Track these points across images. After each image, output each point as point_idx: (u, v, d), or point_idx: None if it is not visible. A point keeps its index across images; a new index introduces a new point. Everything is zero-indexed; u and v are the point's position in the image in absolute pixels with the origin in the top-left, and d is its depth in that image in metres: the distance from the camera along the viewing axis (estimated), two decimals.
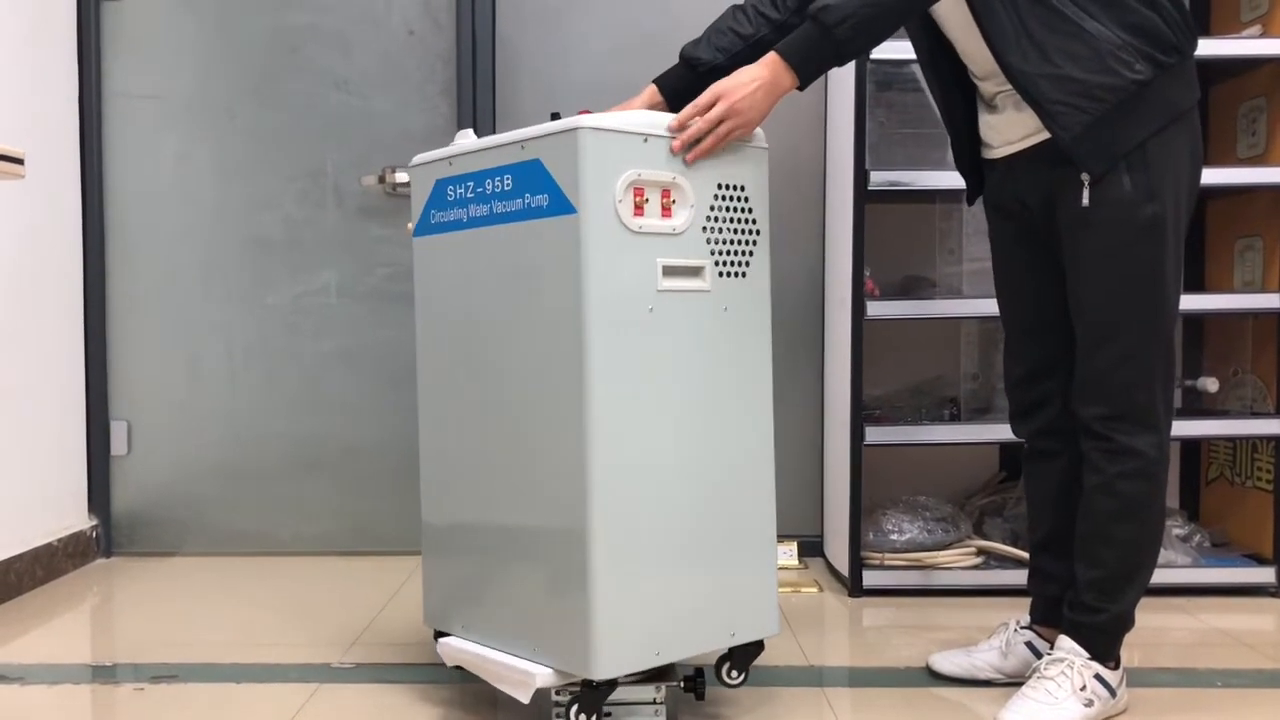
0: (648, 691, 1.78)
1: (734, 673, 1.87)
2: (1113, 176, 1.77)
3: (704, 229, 1.76)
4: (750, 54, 1.89)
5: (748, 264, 1.81)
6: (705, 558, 1.76)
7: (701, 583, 1.76)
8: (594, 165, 1.65)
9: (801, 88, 1.80)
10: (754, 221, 1.82)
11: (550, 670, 1.70)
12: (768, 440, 1.85)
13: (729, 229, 1.79)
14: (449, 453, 1.93)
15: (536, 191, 1.72)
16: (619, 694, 1.75)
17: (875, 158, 2.70)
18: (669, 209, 1.72)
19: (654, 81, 2.02)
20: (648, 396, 1.70)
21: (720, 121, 1.75)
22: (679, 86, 1.97)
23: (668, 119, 1.75)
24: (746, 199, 1.81)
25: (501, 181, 1.77)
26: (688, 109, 1.76)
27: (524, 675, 1.71)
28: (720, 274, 1.78)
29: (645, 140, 1.70)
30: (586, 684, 1.67)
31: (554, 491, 1.70)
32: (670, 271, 1.72)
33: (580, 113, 1.69)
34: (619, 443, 1.67)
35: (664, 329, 1.72)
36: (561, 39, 3.14)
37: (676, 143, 1.74)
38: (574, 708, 1.67)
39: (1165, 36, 1.75)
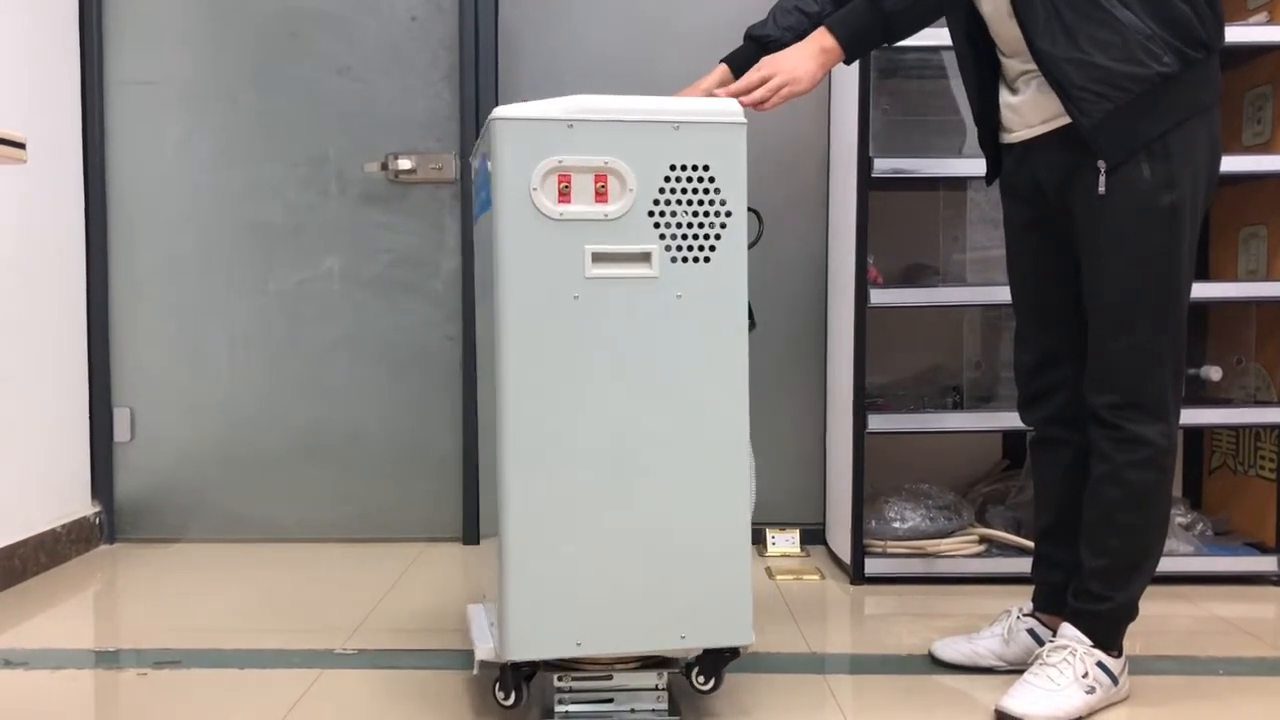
0: (650, 678, 1.78)
1: (700, 677, 1.78)
2: (1132, 164, 1.77)
3: (651, 213, 1.69)
4: (814, 29, 1.94)
5: (712, 248, 1.70)
6: (645, 557, 1.71)
7: (637, 581, 1.71)
8: (509, 156, 1.66)
9: (848, 62, 1.88)
10: (721, 203, 1.70)
11: (490, 646, 1.76)
12: (734, 437, 1.73)
13: (686, 211, 1.69)
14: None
15: (483, 185, 1.77)
16: (621, 680, 1.76)
17: (879, 145, 2.69)
18: (604, 194, 1.68)
19: (723, 60, 2.08)
20: (573, 386, 1.68)
21: (765, 80, 1.84)
22: (745, 59, 2.03)
23: (595, 104, 1.70)
24: (711, 179, 1.70)
25: (484, 174, 1.80)
26: (742, 80, 1.87)
27: (474, 647, 1.79)
28: (673, 259, 1.69)
29: (570, 126, 1.67)
30: (504, 663, 1.73)
31: (489, 479, 1.77)
32: (602, 258, 1.68)
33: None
34: (534, 432, 1.67)
35: (594, 317, 1.68)
36: (564, 24, 3.13)
37: (744, 101, 1.83)
38: (496, 685, 1.76)
39: (1195, 31, 1.75)
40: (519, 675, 1.74)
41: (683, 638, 1.73)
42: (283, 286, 3.16)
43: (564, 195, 1.67)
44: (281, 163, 3.15)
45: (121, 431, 3.16)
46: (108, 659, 2.18)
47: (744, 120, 1.72)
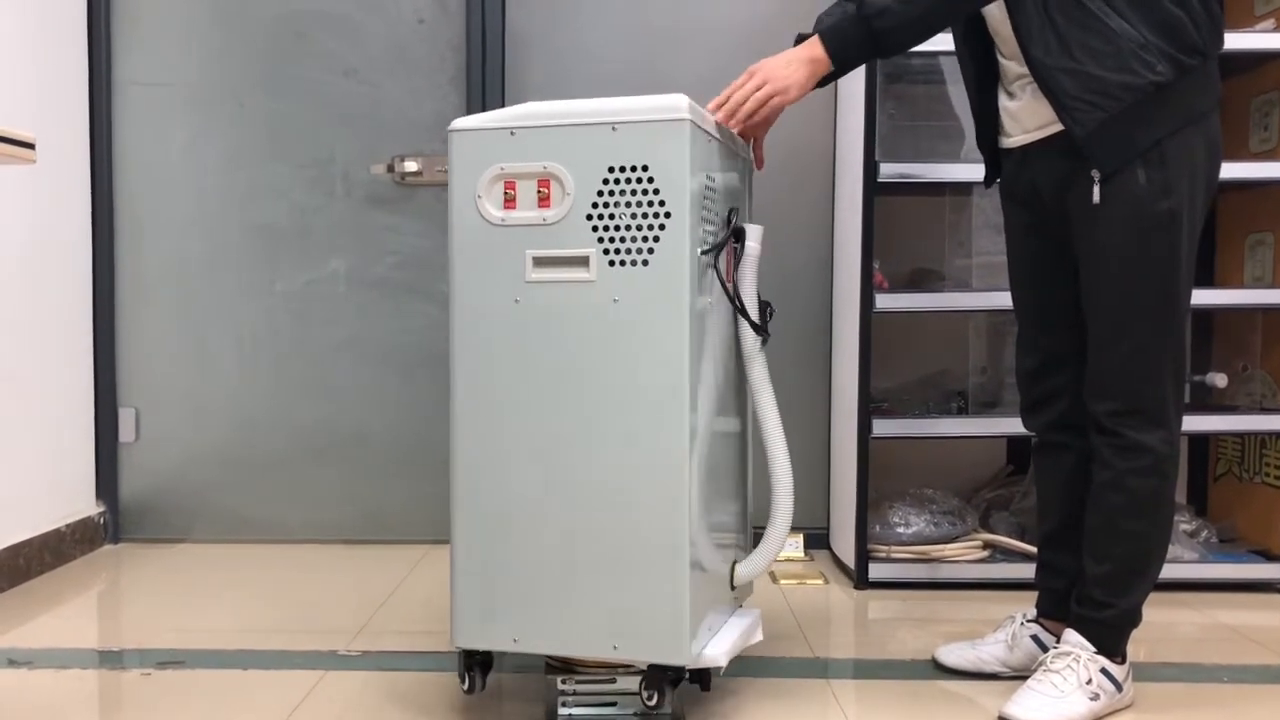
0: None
1: (646, 692, 1.71)
2: (1128, 171, 1.76)
3: (589, 216, 1.67)
4: None
5: (651, 250, 1.66)
6: (580, 562, 1.70)
7: (572, 585, 1.71)
8: (460, 164, 1.73)
9: (837, 75, 1.84)
10: (660, 204, 1.65)
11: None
12: (671, 445, 1.66)
13: (624, 214, 1.66)
14: None
15: None
16: (623, 683, 1.76)
17: (885, 150, 2.69)
18: (545, 199, 1.69)
19: None
20: (514, 389, 1.72)
21: (757, 90, 1.81)
22: None
23: (543, 109, 1.70)
24: (650, 179, 1.65)
25: None
26: (733, 87, 1.84)
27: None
28: (611, 263, 1.67)
29: (512, 134, 1.69)
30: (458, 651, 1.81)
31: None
32: (542, 262, 1.69)
33: None
34: (479, 433, 1.74)
35: (534, 321, 1.70)
36: (570, 27, 3.14)
37: (721, 114, 1.82)
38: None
39: (1190, 37, 1.74)
40: (471, 662, 1.80)
41: (615, 648, 1.70)
42: (288, 288, 3.17)
43: (509, 202, 1.71)
44: (288, 164, 3.15)
45: (126, 432, 3.16)
46: (112, 659, 2.18)
47: (685, 117, 1.64)
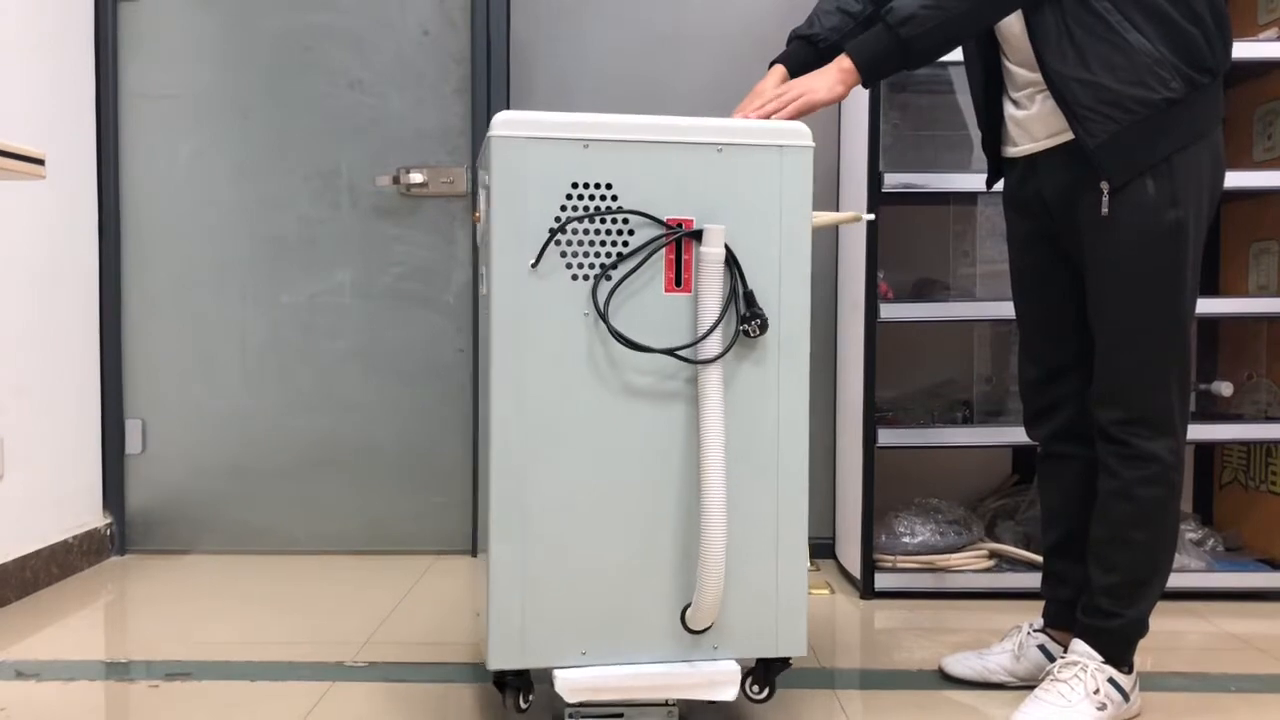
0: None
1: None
2: (1137, 182, 1.77)
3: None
4: (858, 30, 1.95)
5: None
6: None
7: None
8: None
9: (866, 85, 1.86)
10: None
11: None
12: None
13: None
14: None
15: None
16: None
17: (889, 160, 2.69)
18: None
19: (776, 62, 2.04)
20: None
21: (782, 92, 1.84)
22: (802, 60, 2.02)
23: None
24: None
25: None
26: (763, 97, 1.87)
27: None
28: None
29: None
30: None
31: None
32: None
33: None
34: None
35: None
36: (575, 38, 3.15)
37: (755, 113, 1.83)
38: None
39: (1204, 55, 1.75)
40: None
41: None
42: (295, 299, 3.18)
43: None
44: (294, 176, 3.16)
45: (133, 443, 3.17)
46: (119, 671, 2.19)
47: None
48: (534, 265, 1.68)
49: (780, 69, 2.03)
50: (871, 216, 2.09)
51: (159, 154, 3.16)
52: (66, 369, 2.97)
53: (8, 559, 2.65)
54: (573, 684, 1.70)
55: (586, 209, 1.69)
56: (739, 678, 1.75)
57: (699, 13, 3.13)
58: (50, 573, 2.83)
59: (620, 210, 1.70)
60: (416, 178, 3.10)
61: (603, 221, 1.69)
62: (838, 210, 3.02)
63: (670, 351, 1.70)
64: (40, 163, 1.53)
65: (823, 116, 2.97)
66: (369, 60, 3.15)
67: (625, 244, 1.70)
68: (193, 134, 3.16)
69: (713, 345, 1.69)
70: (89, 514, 3.08)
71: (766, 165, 1.74)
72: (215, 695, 2.03)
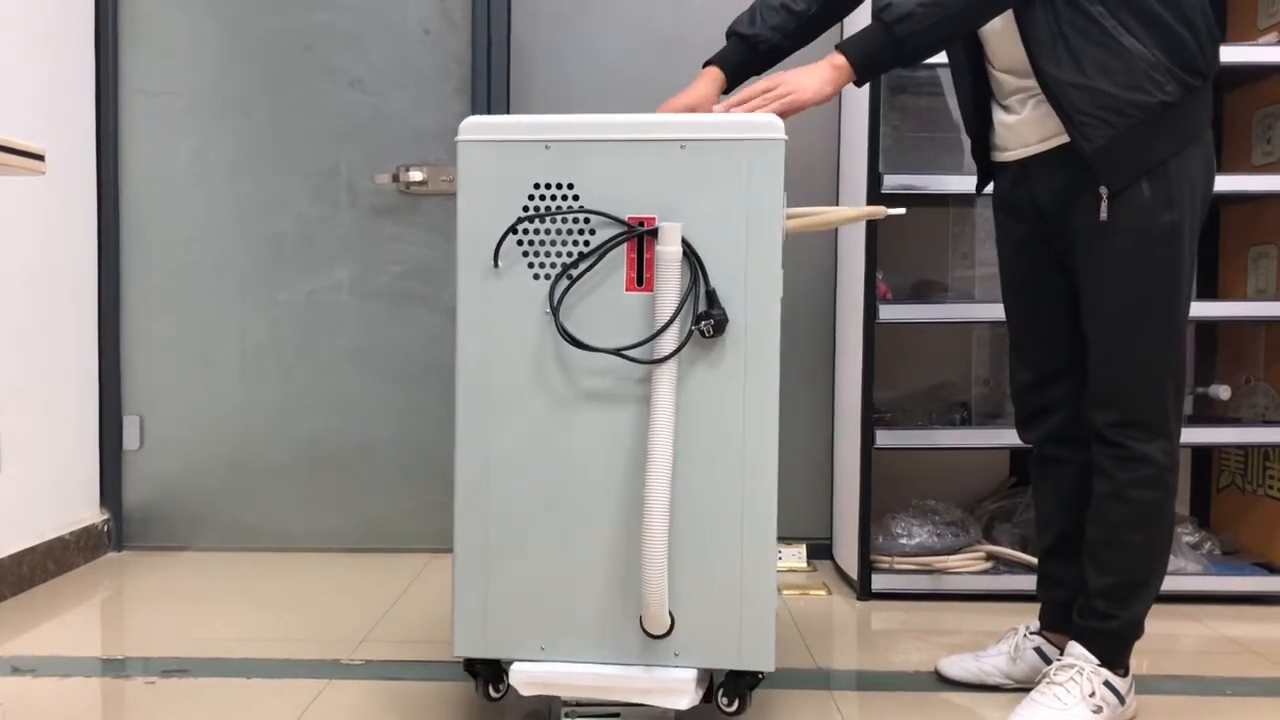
0: None
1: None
2: (1133, 186, 1.78)
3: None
4: (803, 31, 1.93)
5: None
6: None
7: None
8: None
9: (859, 83, 1.83)
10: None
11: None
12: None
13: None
14: None
15: None
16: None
17: (889, 161, 2.70)
18: None
19: (711, 63, 2.01)
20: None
21: (769, 89, 1.79)
22: (738, 62, 1.99)
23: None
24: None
25: None
26: (745, 91, 1.82)
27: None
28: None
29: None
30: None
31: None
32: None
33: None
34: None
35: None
36: (575, 39, 3.15)
37: (739, 108, 1.79)
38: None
39: (1196, 58, 1.76)
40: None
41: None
42: (293, 297, 3.18)
43: None
44: (293, 174, 3.16)
45: (131, 439, 3.17)
46: (115, 667, 2.19)
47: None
48: (495, 265, 1.71)
49: (715, 72, 1.99)
50: (901, 210, 1.97)
51: (158, 150, 3.16)
52: (64, 365, 2.97)
53: (4, 555, 2.65)
54: (527, 677, 1.72)
55: (548, 209, 1.70)
56: (693, 687, 1.70)
57: (700, 14, 3.12)
58: (47, 569, 2.82)
59: (577, 210, 1.70)
60: (416, 176, 3.10)
61: (564, 221, 1.70)
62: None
63: (616, 351, 1.68)
64: (40, 158, 1.53)
65: (823, 119, 3.00)
66: (369, 59, 3.15)
67: (587, 243, 1.70)
68: (192, 131, 3.16)
69: (666, 345, 1.66)
70: (86, 510, 3.08)
71: (731, 160, 1.68)
72: (211, 692, 2.03)
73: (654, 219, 1.69)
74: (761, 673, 1.74)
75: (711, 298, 1.68)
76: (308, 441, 3.18)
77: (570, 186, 1.70)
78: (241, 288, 3.17)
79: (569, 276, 1.70)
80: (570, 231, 1.71)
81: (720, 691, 1.75)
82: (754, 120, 1.70)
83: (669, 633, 1.71)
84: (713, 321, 1.66)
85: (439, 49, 3.15)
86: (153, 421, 3.18)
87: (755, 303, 1.68)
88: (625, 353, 1.68)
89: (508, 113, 3.10)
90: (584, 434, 1.72)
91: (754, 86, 1.85)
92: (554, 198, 1.71)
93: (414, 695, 2.02)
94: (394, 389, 3.18)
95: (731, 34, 2.02)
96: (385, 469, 3.18)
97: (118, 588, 2.81)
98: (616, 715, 1.76)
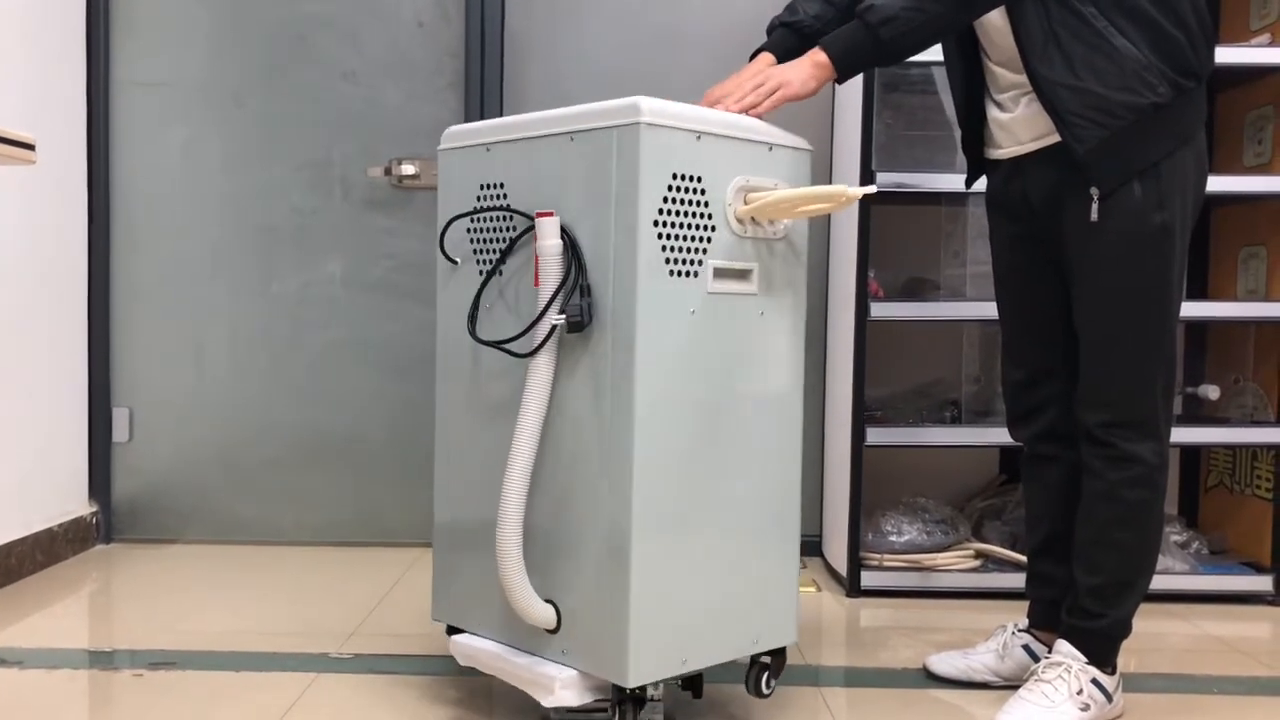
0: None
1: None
2: (1124, 187, 1.78)
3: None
4: (840, 20, 1.91)
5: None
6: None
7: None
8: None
9: (840, 80, 1.82)
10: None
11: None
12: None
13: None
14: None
15: None
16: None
17: (881, 159, 2.70)
18: None
19: (762, 50, 1.99)
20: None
21: (759, 85, 1.79)
22: (790, 48, 1.97)
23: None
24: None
25: None
26: (737, 86, 1.83)
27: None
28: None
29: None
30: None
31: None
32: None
33: None
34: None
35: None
36: (570, 32, 3.15)
37: (734, 105, 1.79)
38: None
39: (1188, 60, 1.76)
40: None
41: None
42: (285, 289, 3.17)
43: None
44: (286, 166, 3.16)
45: (120, 431, 3.16)
46: (103, 659, 2.18)
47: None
48: (447, 259, 1.88)
49: (768, 56, 1.98)
50: (873, 188, 1.83)
51: (150, 142, 3.15)
52: (54, 357, 2.96)
53: None
54: (455, 645, 1.88)
55: (484, 208, 1.82)
56: (556, 686, 1.67)
57: (697, 7, 3.12)
58: (35, 560, 2.82)
59: (500, 208, 1.79)
60: (408, 169, 3.10)
61: (495, 219, 1.81)
62: None
63: (498, 345, 1.73)
64: (31, 147, 1.53)
65: (814, 115, 3.00)
66: (363, 51, 3.14)
67: (513, 240, 1.78)
68: (184, 122, 3.15)
69: (538, 339, 1.66)
70: (75, 502, 3.07)
71: (602, 148, 1.63)
72: (200, 685, 2.03)
73: (553, 212, 1.68)
74: (646, 693, 1.70)
75: (584, 290, 1.64)
76: (298, 434, 3.18)
77: (501, 186, 1.80)
78: (232, 280, 3.17)
79: (486, 272, 1.82)
80: (504, 229, 1.80)
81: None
82: (622, 106, 1.62)
83: (557, 630, 1.72)
84: (567, 315, 1.63)
85: (433, 42, 3.14)
86: (143, 414, 3.17)
87: (619, 292, 1.61)
88: (504, 346, 1.73)
89: (500, 106, 3.10)
90: (502, 428, 1.78)
91: (740, 78, 1.83)
92: (491, 197, 1.82)
93: (403, 689, 2.02)
94: (385, 382, 3.17)
95: (775, 26, 2.02)
96: (376, 462, 3.18)
97: (106, 580, 2.81)
98: (604, 709, 1.76)
